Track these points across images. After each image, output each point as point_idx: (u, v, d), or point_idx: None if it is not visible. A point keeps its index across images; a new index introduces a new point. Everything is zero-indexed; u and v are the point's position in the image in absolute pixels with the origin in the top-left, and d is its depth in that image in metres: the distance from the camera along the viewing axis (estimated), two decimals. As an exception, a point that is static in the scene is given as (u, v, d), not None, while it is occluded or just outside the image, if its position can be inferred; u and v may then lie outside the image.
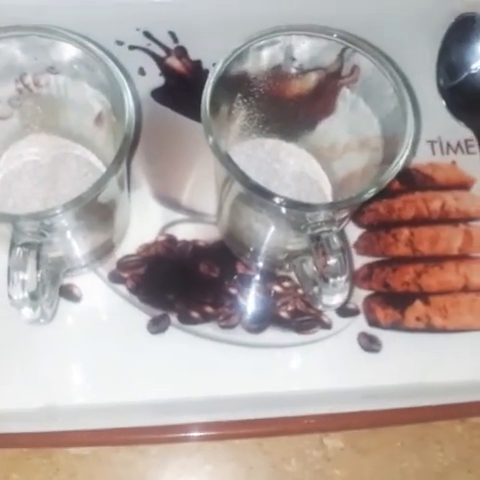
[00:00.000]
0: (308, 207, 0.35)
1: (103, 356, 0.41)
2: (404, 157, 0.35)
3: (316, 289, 0.36)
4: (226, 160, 0.34)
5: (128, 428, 0.39)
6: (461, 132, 0.49)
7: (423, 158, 0.48)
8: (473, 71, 0.50)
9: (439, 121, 0.49)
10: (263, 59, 0.38)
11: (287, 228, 0.38)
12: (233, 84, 0.37)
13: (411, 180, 0.47)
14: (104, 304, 0.43)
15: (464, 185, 0.48)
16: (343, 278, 0.33)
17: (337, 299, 0.35)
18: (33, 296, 0.33)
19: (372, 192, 0.34)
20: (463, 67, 0.50)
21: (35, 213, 0.33)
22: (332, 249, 0.33)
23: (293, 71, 0.39)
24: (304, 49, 0.38)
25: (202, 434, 0.40)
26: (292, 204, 0.34)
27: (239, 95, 0.39)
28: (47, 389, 0.40)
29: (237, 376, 0.41)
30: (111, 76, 0.35)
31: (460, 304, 0.44)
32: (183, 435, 0.40)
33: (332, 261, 0.33)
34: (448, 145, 0.49)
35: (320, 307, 0.36)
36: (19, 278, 0.32)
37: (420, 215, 0.47)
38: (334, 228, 0.34)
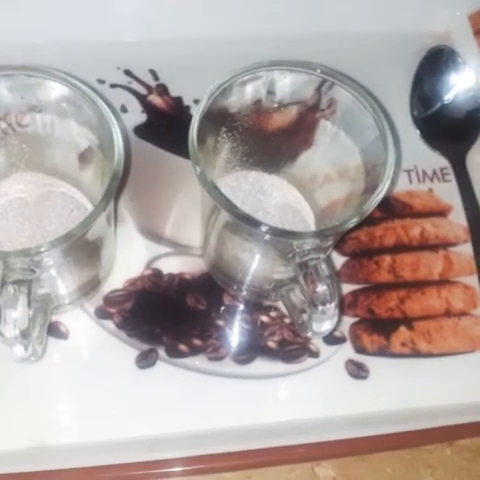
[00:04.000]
0: (296, 235, 0.35)
1: (92, 393, 0.41)
2: (386, 186, 0.35)
3: (305, 316, 0.37)
4: (213, 190, 0.34)
5: (119, 465, 0.39)
6: (436, 161, 0.51)
7: (401, 186, 0.49)
8: (445, 102, 0.51)
9: (415, 150, 0.51)
10: (246, 93, 0.38)
11: (274, 257, 0.39)
12: (218, 118, 0.38)
13: (390, 208, 0.48)
14: (91, 340, 0.43)
15: (442, 212, 0.49)
16: (332, 304, 0.34)
17: (327, 326, 0.35)
18: (24, 334, 0.32)
19: (355, 221, 0.35)
20: (436, 98, 0.52)
21: (26, 249, 0.33)
22: (321, 276, 0.33)
23: (274, 105, 0.40)
24: (285, 83, 0.38)
25: (192, 467, 0.39)
26: (280, 232, 0.35)
27: (223, 129, 0.40)
28: (35, 428, 0.40)
29: (226, 408, 0.41)
30: (100, 113, 0.35)
31: (443, 328, 0.45)
32: (174, 469, 0.39)
33: (321, 288, 0.33)
34: (424, 173, 0.50)
35: (309, 334, 0.36)
36: (11, 316, 0.32)
37: (400, 242, 0.48)
38: (321, 255, 0.34)
